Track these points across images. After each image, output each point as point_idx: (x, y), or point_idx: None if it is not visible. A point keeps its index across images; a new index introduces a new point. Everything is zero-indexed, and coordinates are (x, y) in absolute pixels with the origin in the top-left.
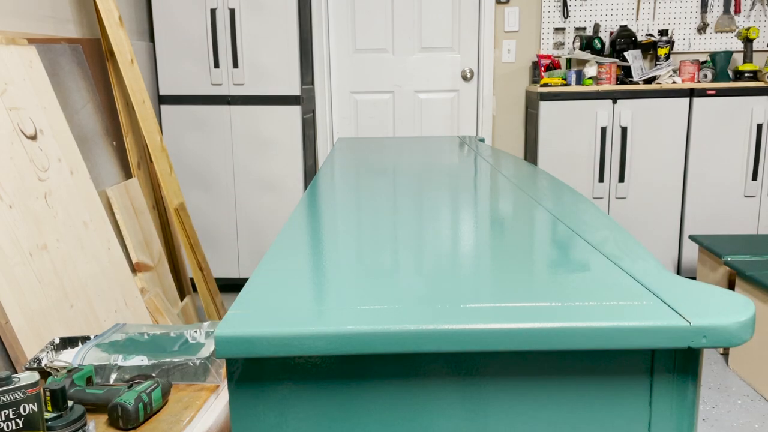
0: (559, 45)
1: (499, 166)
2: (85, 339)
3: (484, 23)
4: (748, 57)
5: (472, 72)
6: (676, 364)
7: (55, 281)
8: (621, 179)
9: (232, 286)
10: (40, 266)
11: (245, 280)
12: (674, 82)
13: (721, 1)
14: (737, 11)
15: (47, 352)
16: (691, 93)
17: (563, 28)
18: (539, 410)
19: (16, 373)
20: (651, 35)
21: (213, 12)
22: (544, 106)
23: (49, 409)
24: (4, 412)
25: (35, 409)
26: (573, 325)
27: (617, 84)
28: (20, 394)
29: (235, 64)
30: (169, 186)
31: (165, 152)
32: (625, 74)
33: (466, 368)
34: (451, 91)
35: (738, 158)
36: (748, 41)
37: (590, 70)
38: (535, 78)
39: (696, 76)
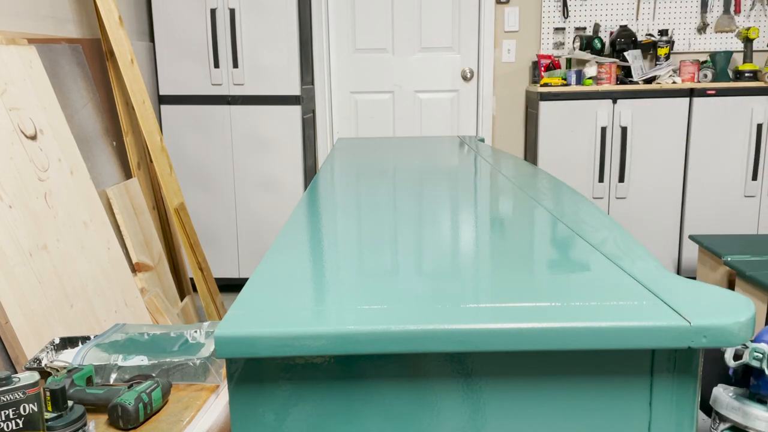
0: (559, 45)
1: (499, 166)
2: (85, 339)
3: (484, 23)
4: (748, 57)
5: (472, 72)
6: (676, 364)
7: (55, 281)
8: (621, 179)
9: (232, 286)
10: (40, 266)
11: (245, 280)
12: (674, 82)
13: (721, 1)
14: (737, 11)
15: (47, 352)
16: (691, 93)
17: (563, 28)
18: (539, 410)
19: (16, 373)
20: (651, 35)
21: (213, 12)
22: (544, 106)
23: (49, 409)
24: (4, 412)
25: (35, 409)
26: (573, 325)
27: (617, 84)
28: (20, 394)
29: (235, 64)
30: (169, 186)
31: (165, 152)
32: (625, 74)
33: (466, 368)
34: (451, 91)
35: (738, 158)
36: (748, 41)
37: (590, 70)
38: (535, 78)
39: (696, 76)
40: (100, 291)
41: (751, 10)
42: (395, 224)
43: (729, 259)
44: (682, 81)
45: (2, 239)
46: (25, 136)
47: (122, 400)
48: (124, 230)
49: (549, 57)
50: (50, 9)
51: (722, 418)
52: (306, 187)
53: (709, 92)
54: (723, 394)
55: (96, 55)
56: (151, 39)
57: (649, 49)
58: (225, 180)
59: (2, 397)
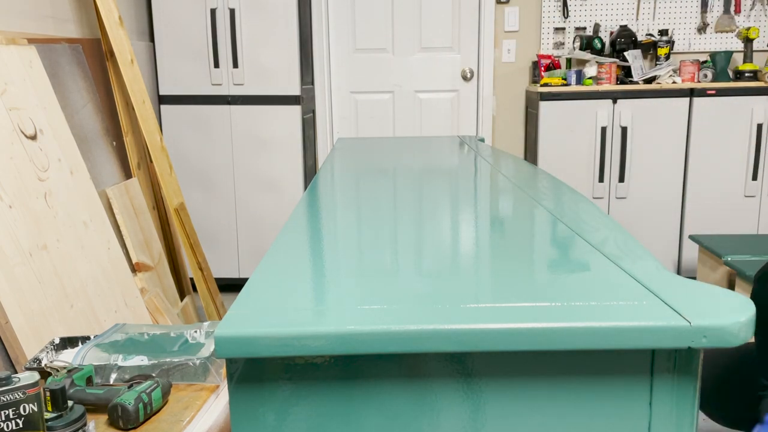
0: (559, 45)
1: (499, 166)
2: (85, 339)
3: (484, 23)
4: (748, 57)
5: (472, 72)
6: (676, 364)
7: (55, 281)
8: (621, 179)
9: (232, 286)
10: (40, 266)
11: (245, 280)
12: (674, 82)
13: (721, 1)
14: (737, 11)
15: (47, 352)
16: (691, 93)
17: (563, 28)
18: (539, 410)
19: (16, 373)
20: (651, 35)
21: (213, 12)
22: (544, 106)
23: (49, 409)
24: (4, 412)
25: (35, 409)
26: (573, 325)
27: (617, 84)
28: (20, 394)
29: (235, 64)
30: (169, 186)
31: (165, 152)
32: (625, 74)
33: (466, 368)
34: (451, 91)
35: (738, 158)
36: (748, 41)
37: (590, 70)
38: (535, 78)
39: (696, 76)
40: (100, 291)
41: (751, 10)
42: (395, 224)
43: (729, 259)
44: (682, 81)
45: (2, 239)
46: (25, 136)
47: (122, 400)
48: (124, 230)
49: (549, 57)
50: (50, 9)
51: None
52: (306, 187)
53: (709, 92)
54: None
55: (96, 55)
56: (151, 39)
57: (649, 49)
58: (225, 180)
59: (2, 397)
